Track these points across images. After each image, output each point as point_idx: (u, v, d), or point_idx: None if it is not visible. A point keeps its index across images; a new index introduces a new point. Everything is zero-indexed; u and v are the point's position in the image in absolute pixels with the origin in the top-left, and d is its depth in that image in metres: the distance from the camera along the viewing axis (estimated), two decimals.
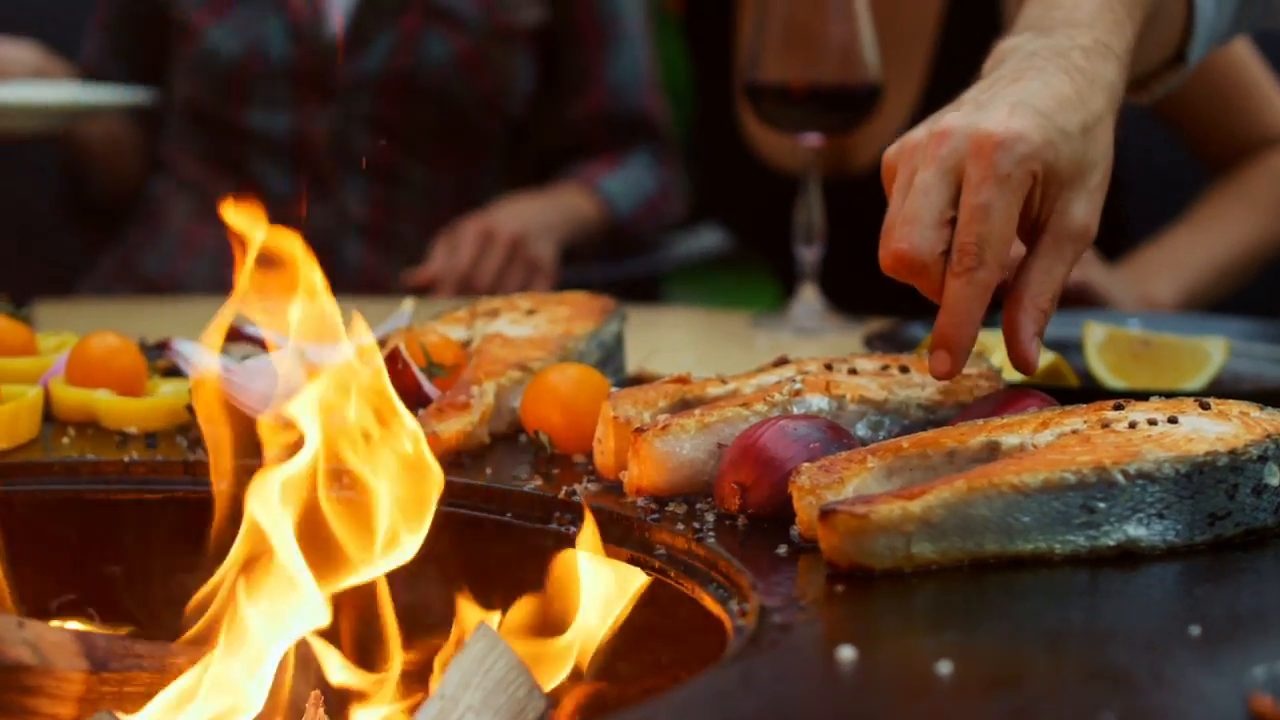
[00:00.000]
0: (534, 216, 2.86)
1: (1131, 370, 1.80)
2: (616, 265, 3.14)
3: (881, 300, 2.36)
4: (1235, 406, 1.36)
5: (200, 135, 3.03)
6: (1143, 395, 1.43)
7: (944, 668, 1.05)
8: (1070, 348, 1.85)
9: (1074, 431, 1.32)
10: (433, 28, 2.97)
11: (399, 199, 3.02)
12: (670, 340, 2.24)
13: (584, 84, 3.11)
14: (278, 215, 3.01)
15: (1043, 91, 1.44)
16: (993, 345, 1.79)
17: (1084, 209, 1.45)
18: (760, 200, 2.71)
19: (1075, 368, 1.80)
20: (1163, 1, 1.63)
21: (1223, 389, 1.82)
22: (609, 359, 1.71)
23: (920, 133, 1.46)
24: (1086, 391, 1.69)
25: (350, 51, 2.97)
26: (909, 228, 1.41)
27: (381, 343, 1.67)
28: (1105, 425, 1.32)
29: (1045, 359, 1.75)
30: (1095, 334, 1.84)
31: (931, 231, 1.41)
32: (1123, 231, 2.73)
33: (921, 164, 1.43)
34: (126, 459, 1.55)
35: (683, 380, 1.51)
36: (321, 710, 1.38)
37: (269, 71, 2.96)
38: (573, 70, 3.11)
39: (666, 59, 3.49)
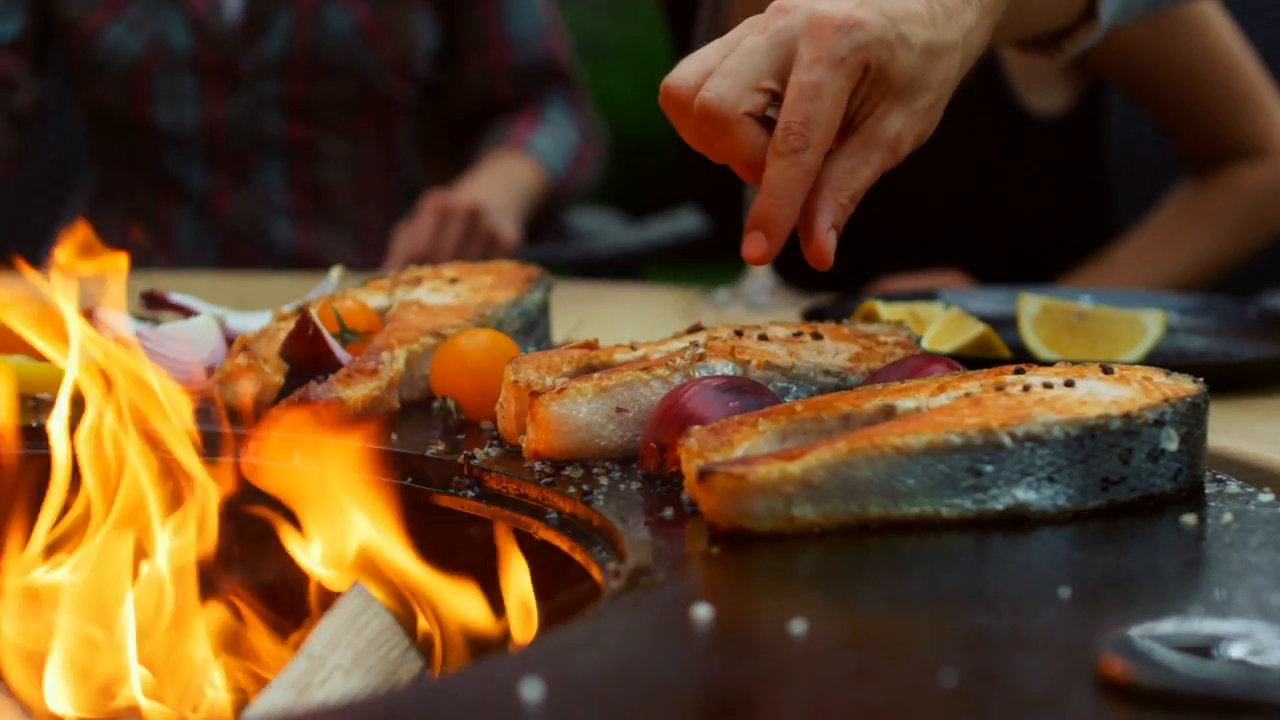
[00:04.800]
0: (491, 192, 2.85)
1: (1066, 343, 1.78)
2: (585, 246, 3.12)
3: (837, 279, 2.33)
4: (1139, 372, 1.34)
5: (114, 139, 3.03)
6: (1052, 363, 1.41)
7: (797, 627, 1.03)
8: (1004, 322, 1.82)
9: (967, 394, 1.30)
10: (330, 1, 2.96)
11: (321, 177, 3.03)
12: (612, 315, 2.22)
13: (485, 39, 3.11)
14: (202, 208, 3.03)
15: (893, 0, 1.38)
16: (927, 319, 1.77)
17: (902, 123, 1.39)
18: (736, 184, 2.69)
19: (1009, 342, 1.78)
20: None
21: (1164, 362, 1.79)
22: (531, 328, 1.69)
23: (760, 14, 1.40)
24: (1012, 363, 1.66)
25: (251, 35, 2.96)
26: (723, 80, 1.35)
27: (301, 309, 1.66)
28: (1000, 388, 1.30)
29: (975, 330, 1.73)
30: (1030, 306, 1.81)
31: (745, 90, 1.35)
32: (1114, 233, 2.69)
33: (752, 31, 1.37)
34: (35, 423, 1.54)
35: (589, 346, 1.49)
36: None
37: (172, 66, 2.96)
38: (472, 27, 3.11)
39: (654, 56, 3.45)
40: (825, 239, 1.38)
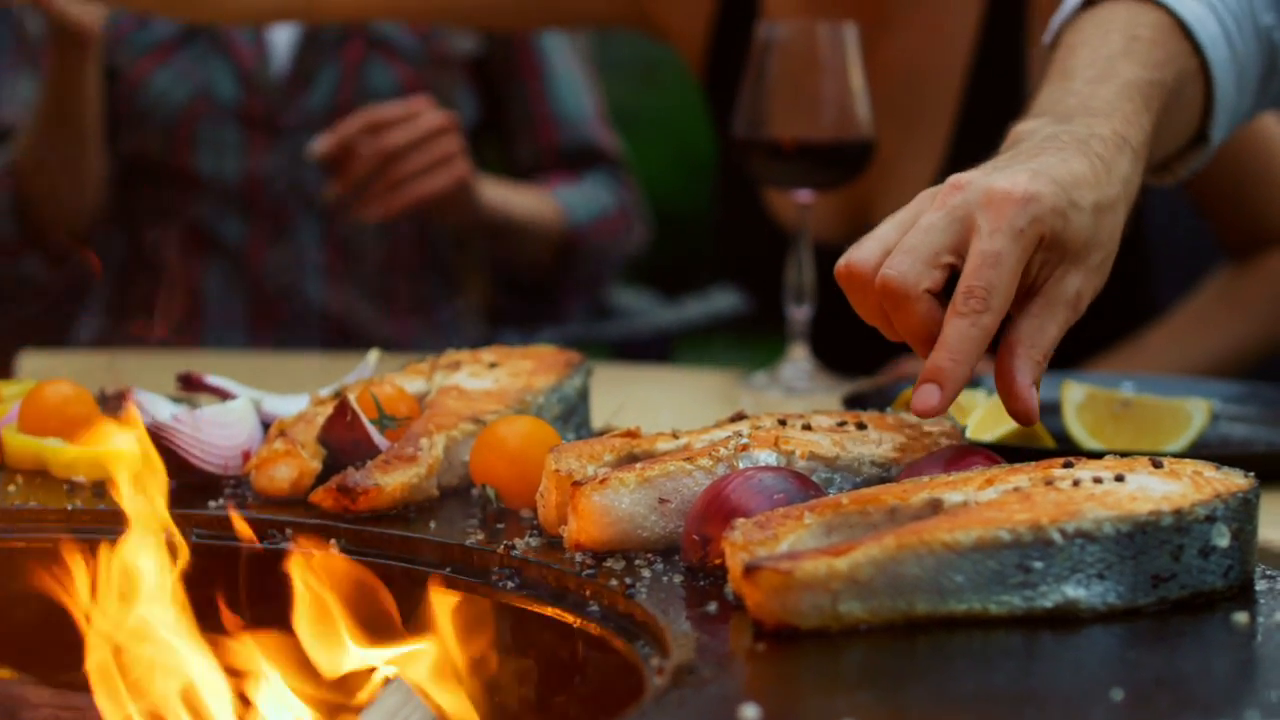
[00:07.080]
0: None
1: (1110, 432, 1.76)
2: (623, 325, 3.11)
3: (879, 363, 2.32)
4: (1189, 466, 1.32)
5: (150, 189, 3.02)
6: (1099, 455, 1.39)
7: None
8: (1048, 410, 1.80)
9: (1016, 489, 1.28)
10: (375, 58, 2.98)
11: (354, 237, 3.02)
12: (651, 398, 2.20)
13: (532, 119, 3.12)
14: (235, 262, 3.03)
15: (1060, 166, 1.44)
16: (969, 407, 1.76)
17: (1080, 281, 1.44)
18: (778, 264, 2.68)
19: (1053, 430, 1.76)
20: (1182, 86, 1.62)
21: (1208, 452, 1.77)
22: (571, 414, 1.68)
23: (932, 188, 1.46)
24: (1057, 454, 1.65)
25: (296, 88, 2.97)
26: (904, 257, 1.40)
27: (338, 394, 1.65)
28: (1049, 483, 1.28)
29: None
30: (1074, 394, 1.79)
31: (924, 267, 1.40)
32: (1151, 314, 2.67)
33: (930, 207, 1.43)
34: (70, 507, 1.52)
35: (632, 434, 1.48)
36: None
37: (216, 115, 2.97)
38: (518, 106, 3.12)
39: (687, 128, 3.45)
40: (1028, 394, 1.42)
